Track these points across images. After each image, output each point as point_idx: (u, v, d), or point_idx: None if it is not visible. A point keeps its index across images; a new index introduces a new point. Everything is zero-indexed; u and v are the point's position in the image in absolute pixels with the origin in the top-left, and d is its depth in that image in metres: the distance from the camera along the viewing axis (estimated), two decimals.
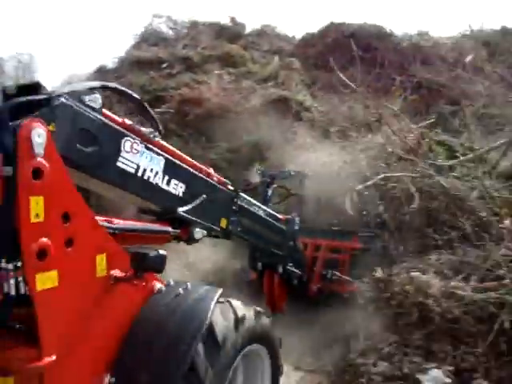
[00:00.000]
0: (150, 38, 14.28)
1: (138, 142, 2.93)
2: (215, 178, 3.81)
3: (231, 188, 3.99)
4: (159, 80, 11.22)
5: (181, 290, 2.98)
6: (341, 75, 7.39)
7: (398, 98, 8.64)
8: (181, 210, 3.36)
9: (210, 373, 2.66)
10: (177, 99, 9.87)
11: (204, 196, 3.56)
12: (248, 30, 14.69)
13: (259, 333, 3.21)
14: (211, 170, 3.79)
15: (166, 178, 3.18)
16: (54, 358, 2.34)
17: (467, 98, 9.72)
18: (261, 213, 4.57)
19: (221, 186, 3.85)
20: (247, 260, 5.41)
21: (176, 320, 2.78)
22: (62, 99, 2.47)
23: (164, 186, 3.18)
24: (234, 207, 4.02)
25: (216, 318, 2.82)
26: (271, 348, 3.39)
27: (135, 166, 2.92)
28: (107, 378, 2.65)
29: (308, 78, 11.61)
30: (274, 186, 6.05)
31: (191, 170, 3.48)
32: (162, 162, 3.13)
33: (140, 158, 2.95)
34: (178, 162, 3.34)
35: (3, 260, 2.27)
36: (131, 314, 2.81)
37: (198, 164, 3.63)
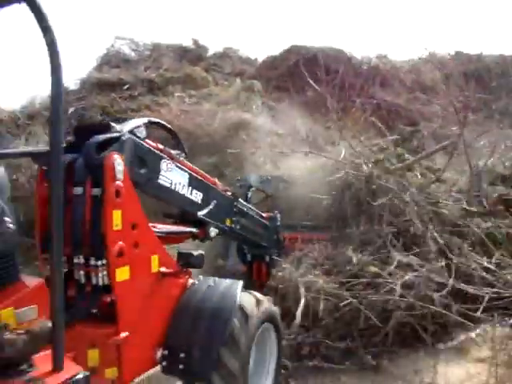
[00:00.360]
0: (112, 59, 14.20)
1: (170, 162, 3.69)
2: (220, 187, 4.58)
3: (230, 194, 4.77)
4: (121, 102, 11.18)
5: (211, 282, 3.80)
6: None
7: (358, 119, 8.79)
8: (200, 213, 4.15)
9: (244, 340, 3.51)
10: None
11: (215, 201, 4.35)
12: (210, 52, 14.82)
13: (270, 314, 3.99)
14: (216, 180, 4.57)
15: (190, 188, 3.98)
16: (127, 333, 3.07)
17: (424, 119, 9.98)
18: (252, 213, 5.31)
19: (224, 193, 4.63)
20: (233, 256, 6.12)
21: (213, 303, 3.57)
22: (127, 135, 3.24)
23: (188, 195, 3.96)
24: (234, 209, 4.83)
25: (243, 300, 3.65)
26: (277, 325, 4.16)
27: (170, 181, 3.70)
28: (160, 351, 3.42)
29: (270, 100, 11.74)
30: (253, 189, 6.93)
31: (205, 181, 4.28)
32: (187, 176, 3.92)
33: (172, 175, 3.72)
34: (196, 175, 4.11)
35: (93, 258, 3.02)
36: (176, 300, 3.61)
37: (208, 176, 4.45)
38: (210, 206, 4.30)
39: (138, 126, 3.42)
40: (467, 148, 6.82)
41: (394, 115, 11.02)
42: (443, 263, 5.43)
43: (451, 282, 5.17)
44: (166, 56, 13.66)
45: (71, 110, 11.87)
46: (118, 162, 3.00)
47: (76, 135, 3.32)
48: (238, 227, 4.89)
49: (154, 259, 3.45)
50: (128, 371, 3.18)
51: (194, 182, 4.01)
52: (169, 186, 3.70)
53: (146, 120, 3.59)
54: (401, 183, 6.32)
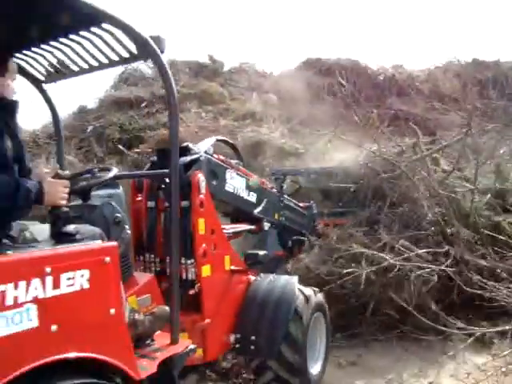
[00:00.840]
0: (129, 77, 14.36)
1: (232, 171, 4.45)
2: (268, 185, 5.37)
3: (276, 191, 5.51)
4: (138, 119, 11.29)
5: (271, 278, 4.51)
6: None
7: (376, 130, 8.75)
8: (255, 211, 4.93)
9: (306, 314, 4.30)
10: (155, 139, 9.87)
11: (266, 199, 5.10)
12: (226, 67, 14.87)
13: (320, 303, 4.69)
14: (264, 180, 5.40)
15: (247, 191, 4.72)
16: (209, 320, 3.81)
17: (443, 128, 9.89)
18: (292, 204, 5.95)
19: (272, 190, 5.38)
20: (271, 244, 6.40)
21: (276, 292, 4.29)
22: (204, 155, 4.01)
23: (246, 197, 4.72)
24: (281, 204, 5.55)
25: (301, 289, 4.42)
26: (325, 313, 4.83)
27: (233, 187, 4.46)
28: (233, 336, 4.10)
29: (286, 114, 11.75)
30: (288, 181, 7.72)
31: (260, 184, 5.05)
32: (244, 181, 4.66)
33: (234, 182, 4.47)
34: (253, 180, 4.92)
35: (183, 258, 3.67)
36: (244, 293, 4.33)
37: (263, 180, 5.35)
38: (263, 204, 5.04)
39: (210, 146, 4.20)
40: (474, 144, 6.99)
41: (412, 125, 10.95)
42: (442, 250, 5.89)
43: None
44: (182, 72, 13.74)
45: (90, 128, 12.03)
46: (202, 179, 3.77)
47: (158, 156, 4.11)
48: (284, 219, 5.61)
49: (227, 259, 4.19)
50: (210, 352, 3.89)
51: (249, 186, 4.78)
52: (232, 191, 4.46)
53: (214, 139, 4.51)
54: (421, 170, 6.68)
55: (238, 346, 4.09)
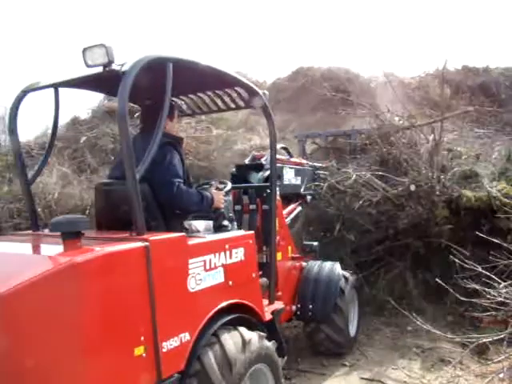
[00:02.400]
0: None
1: (286, 166, 5.82)
2: (305, 163, 6.76)
3: (310, 165, 6.90)
4: (132, 129, 11.22)
5: (319, 263, 5.80)
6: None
7: None
8: (301, 190, 6.33)
9: (348, 291, 5.66)
10: None
11: (306, 178, 6.49)
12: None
13: (354, 283, 5.99)
14: (301, 160, 6.84)
15: (295, 177, 6.10)
16: (281, 293, 4.93)
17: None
18: (321, 171, 7.27)
19: (308, 168, 6.74)
20: None
21: (325, 274, 5.61)
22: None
23: (295, 182, 6.11)
24: (315, 177, 6.99)
25: (342, 273, 5.77)
26: (358, 289, 6.20)
27: (288, 180, 5.86)
28: (294, 306, 5.46)
29: (279, 122, 11.77)
30: (308, 142, 9.23)
31: (301, 167, 6.40)
32: (293, 170, 6.02)
33: (288, 175, 5.84)
34: (297, 167, 6.21)
35: (264, 247, 4.69)
36: (300, 274, 5.70)
37: (302, 161, 6.75)
38: (305, 182, 6.42)
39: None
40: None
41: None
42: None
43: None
44: None
45: (83, 139, 11.99)
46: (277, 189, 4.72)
47: (237, 170, 5.51)
48: (316, 191, 6.93)
49: (289, 248, 5.52)
50: (282, 317, 4.78)
51: (296, 172, 6.11)
52: (288, 183, 5.85)
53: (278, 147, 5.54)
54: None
55: (298, 313, 5.46)
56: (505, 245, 5.21)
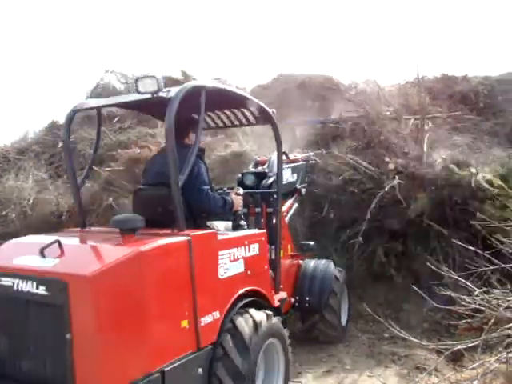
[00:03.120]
0: (102, 92, 14.16)
1: (284, 167, 5.77)
2: (300, 158, 7.20)
3: (304, 158, 7.35)
4: (110, 134, 11.10)
5: (314, 261, 6.33)
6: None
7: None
8: (297, 185, 6.69)
9: (339, 290, 6.21)
10: (125, 157, 9.70)
11: (300, 172, 6.87)
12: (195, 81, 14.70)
13: (345, 278, 6.53)
14: (295, 155, 7.21)
15: (292, 174, 6.48)
16: (282, 286, 5.21)
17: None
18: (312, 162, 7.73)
19: (302, 162, 7.15)
20: None
21: (320, 271, 6.16)
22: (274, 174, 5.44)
23: (291, 179, 6.45)
24: (307, 169, 7.32)
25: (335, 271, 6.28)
26: (346, 285, 6.59)
27: (286, 179, 6.06)
28: (293, 299, 5.90)
29: (259, 129, 11.72)
30: (298, 130, 9.57)
31: (296, 163, 6.80)
32: (290, 169, 6.39)
33: (286, 174, 6.09)
34: (293, 165, 6.63)
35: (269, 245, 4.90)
36: (298, 270, 6.20)
37: (297, 156, 7.19)
38: (300, 177, 6.81)
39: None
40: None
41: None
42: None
43: None
44: None
45: (61, 143, 11.85)
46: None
47: (242, 177, 5.83)
48: (309, 178, 7.46)
49: (289, 247, 6.04)
50: (284, 309, 5.19)
51: (292, 170, 6.48)
52: (286, 181, 6.02)
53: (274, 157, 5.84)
54: None
55: (296, 304, 5.92)
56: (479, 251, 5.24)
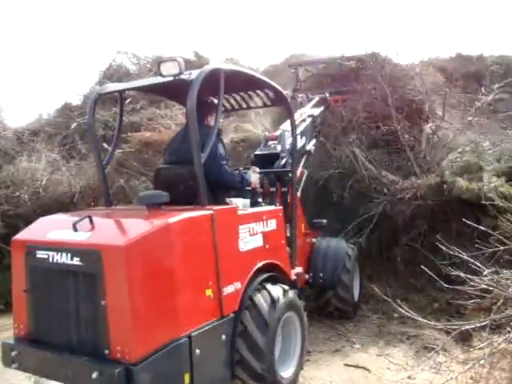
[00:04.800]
0: (114, 74, 14.14)
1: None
2: (307, 116, 7.04)
3: (309, 115, 7.15)
4: (123, 116, 11.09)
5: (328, 240, 6.52)
6: None
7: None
8: (307, 147, 6.78)
9: (351, 267, 6.36)
10: (137, 139, 9.72)
11: (308, 131, 6.83)
12: (212, 63, 14.62)
13: (356, 254, 6.68)
14: (304, 114, 7.10)
15: (301, 138, 6.37)
16: (297, 262, 5.45)
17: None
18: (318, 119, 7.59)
19: (307, 122, 6.89)
20: None
21: (333, 248, 6.33)
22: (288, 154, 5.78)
23: (301, 144, 6.32)
24: (315, 126, 7.27)
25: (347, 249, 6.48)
26: (357, 260, 6.71)
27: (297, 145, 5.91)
28: (307, 275, 6.02)
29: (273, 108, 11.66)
30: (302, 70, 9.59)
31: (303, 125, 6.69)
32: (298, 135, 6.00)
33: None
34: (302, 129, 6.51)
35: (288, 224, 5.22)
36: (312, 248, 6.38)
37: (303, 115, 7.01)
38: (308, 137, 6.85)
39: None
40: None
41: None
42: None
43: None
44: None
45: (74, 124, 11.91)
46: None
47: (255, 157, 5.98)
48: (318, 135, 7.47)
49: (303, 225, 6.15)
50: (299, 283, 5.40)
51: (301, 134, 6.33)
52: (298, 149, 6.00)
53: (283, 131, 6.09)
54: None
55: (310, 280, 6.06)
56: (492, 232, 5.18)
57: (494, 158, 7.45)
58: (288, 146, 5.88)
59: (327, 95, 8.14)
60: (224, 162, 4.41)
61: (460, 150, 7.55)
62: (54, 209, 7.68)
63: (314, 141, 7.12)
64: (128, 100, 12.03)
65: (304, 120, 6.92)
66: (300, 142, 6.26)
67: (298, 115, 6.78)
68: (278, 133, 6.39)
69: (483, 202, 6.11)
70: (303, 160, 6.67)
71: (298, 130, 6.20)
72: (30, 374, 3.84)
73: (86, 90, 13.81)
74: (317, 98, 8.01)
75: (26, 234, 3.91)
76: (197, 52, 14.44)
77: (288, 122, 5.92)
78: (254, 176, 4.88)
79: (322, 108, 7.75)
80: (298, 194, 6.03)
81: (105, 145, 10.29)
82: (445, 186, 6.73)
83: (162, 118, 10.58)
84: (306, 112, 7.35)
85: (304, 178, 6.52)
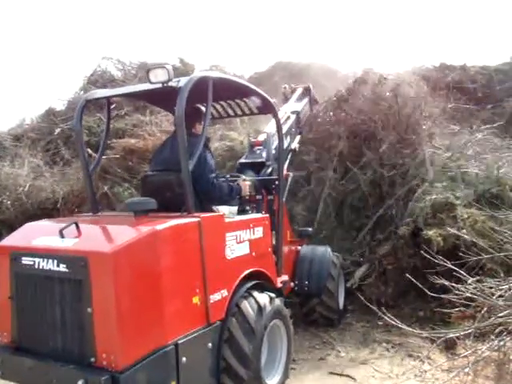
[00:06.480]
0: (98, 79, 14.06)
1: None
2: (290, 113, 7.17)
3: (293, 111, 7.28)
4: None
5: (312, 247, 6.53)
6: None
7: None
8: (292, 145, 6.93)
9: (336, 275, 6.37)
10: (121, 145, 9.67)
11: (293, 130, 7.02)
12: (197, 70, 14.68)
13: (341, 263, 6.80)
14: (288, 111, 7.24)
15: (286, 140, 6.38)
16: (284, 272, 5.45)
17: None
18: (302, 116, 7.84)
19: (290, 120, 6.97)
20: None
21: (319, 256, 6.33)
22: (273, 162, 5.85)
23: (286, 145, 6.28)
24: (299, 123, 7.36)
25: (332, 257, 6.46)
26: (342, 269, 6.87)
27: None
28: (292, 283, 6.03)
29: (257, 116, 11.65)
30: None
31: (287, 124, 6.75)
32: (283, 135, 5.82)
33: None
34: (286, 127, 6.51)
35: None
36: (297, 255, 6.39)
37: (287, 112, 7.11)
38: (293, 135, 6.96)
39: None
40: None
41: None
42: None
43: None
44: None
45: (57, 130, 11.81)
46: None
47: (241, 166, 5.90)
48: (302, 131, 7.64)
49: (288, 233, 6.22)
50: (285, 291, 5.43)
51: (285, 135, 6.16)
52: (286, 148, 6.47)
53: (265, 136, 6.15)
54: None
55: (296, 288, 6.08)
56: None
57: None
58: (274, 151, 5.91)
59: (311, 86, 8.25)
60: (213, 175, 4.38)
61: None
62: (36, 215, 7.61)
63: (298, 137, 7.18)
64: (113, 106, 11.97)
65: (288, 117, 6.94)
66: (285, 144, 6.22)
67: (281, 113, 6.74)
68: (262, 137, 6.36)
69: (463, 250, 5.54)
70: (288, 160, 6.66)
71: (283, 131, 6.00)
72: (14, 383, 3.74)
73: (70, 95, 13.74)
74: (300, 89, 8.06)
75: (10, 240, 3.87)
76: (182, 59, 14.44)
77: (272, 121, 5.92)
78: (244, 184, 4.95)
79: (305, 100, 7.81)
80: (284, 199, 5.92)
81: (89, 150, 10.25)
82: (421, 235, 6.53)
83: (147, 124, 10.51)
84: (290, 108, 7.38)
85: (289, 181, 6.45)
